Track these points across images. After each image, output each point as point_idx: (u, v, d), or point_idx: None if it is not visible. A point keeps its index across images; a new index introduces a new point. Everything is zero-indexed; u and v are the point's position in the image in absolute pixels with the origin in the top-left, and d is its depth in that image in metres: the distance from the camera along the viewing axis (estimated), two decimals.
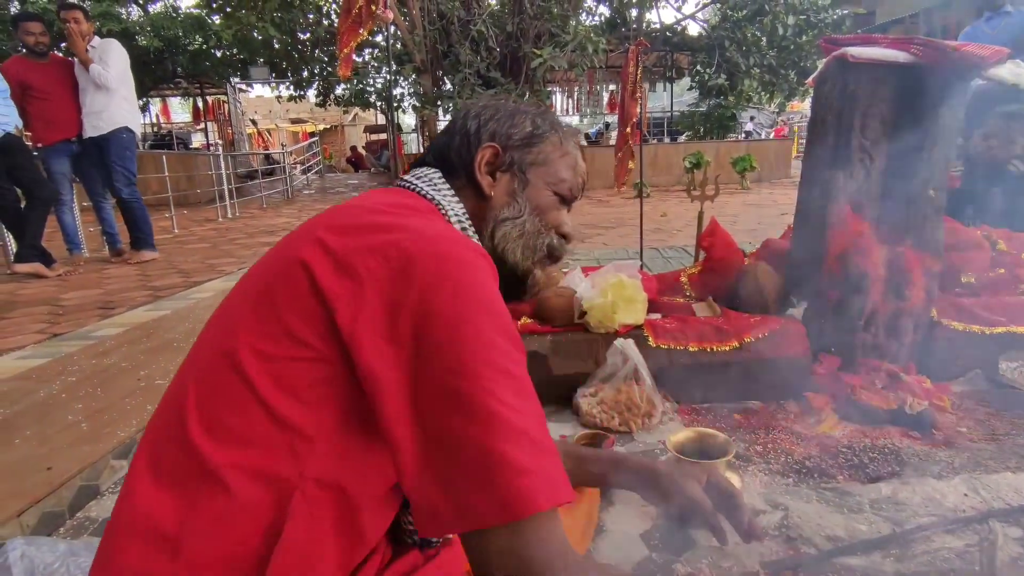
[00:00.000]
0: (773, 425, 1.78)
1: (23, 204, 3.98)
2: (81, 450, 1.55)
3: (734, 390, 1.95)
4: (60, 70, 4.18)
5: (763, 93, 12.60)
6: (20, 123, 4.00)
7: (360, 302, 0.58)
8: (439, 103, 10.33)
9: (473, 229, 0.76)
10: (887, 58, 1.74)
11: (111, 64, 4.05)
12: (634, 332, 1.94)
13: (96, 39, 4.15)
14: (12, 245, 4.22)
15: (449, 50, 10.13)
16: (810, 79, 2.05)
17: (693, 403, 1.93)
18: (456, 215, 0.75)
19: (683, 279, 2.33)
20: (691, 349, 1.93)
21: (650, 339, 1.92)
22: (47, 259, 4.07)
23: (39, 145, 4.22)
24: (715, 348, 1.94)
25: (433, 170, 0.81)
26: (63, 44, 7.30)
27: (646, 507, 1.22)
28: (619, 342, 1.80)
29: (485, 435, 0.53)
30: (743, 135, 14.35)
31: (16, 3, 9.62)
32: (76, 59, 4.09)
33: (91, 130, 4.12)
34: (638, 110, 2.68)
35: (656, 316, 2.05)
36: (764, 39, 10.93)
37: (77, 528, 1.38)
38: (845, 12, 11.37)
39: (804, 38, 10.99)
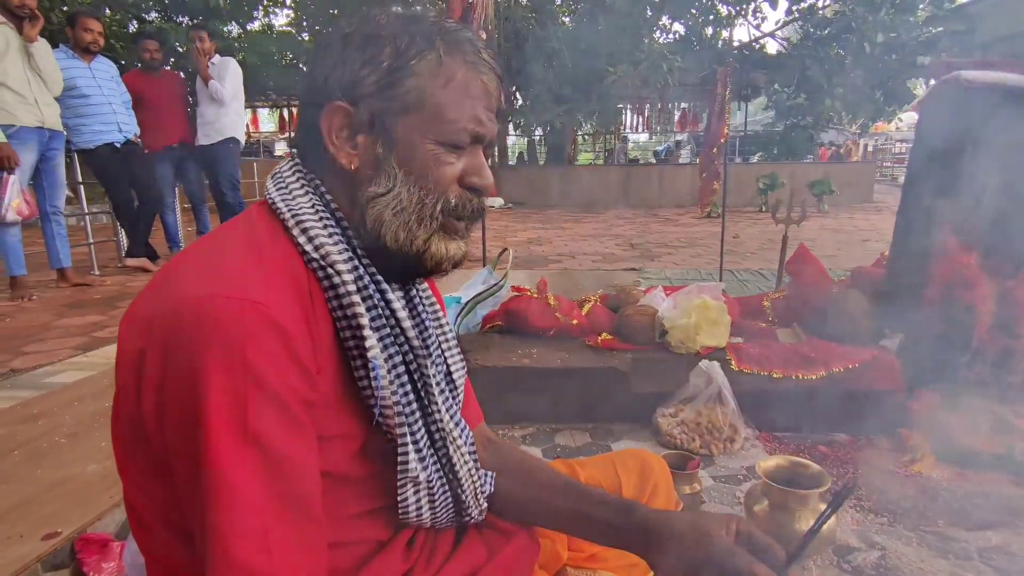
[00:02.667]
0: (862, 460, 1.71)
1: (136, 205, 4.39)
2: None
3: (819, 420, 1.89)
4: (170, 83, 4.61)
5: (845, 113, 12.05)
6: (138, 131, 4.43)
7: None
8: (510, 118, 10.53)
9: (333, 223, 0.60)
10: (1007, 82, 1.65)
11: (227, 80, 4.42)
12: (716, 354, 1.91)
13: (217, 56, 4.55)
14: (124, 242, 4.64)
15: (523, 66, 10.32)
16: (914, 103, 1.97)
17: (775, 430, 1.88)
18: (297, 217, 0.59)
19: (766, 303, 2.28)
20: (775, 375, 1.89)
21: (732, 363, 1.89)
22: (153, 255, 4.46)
23: (147, 151, 4.64)
24: (801, 376, 1.88)
25: (289, 161, 0.64)
26: (170, 59, 8.01)
27: None
28: (704, 363, 1.79)
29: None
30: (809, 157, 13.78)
31: (134, 22, 10.65)
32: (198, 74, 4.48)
33: (203, 138, 4.50)
34: (726, 131, 2.65)
35: (738, 340, 2.02)
36: (849, 57, 10.48)
37: None
38: (940, 29, 10.72)
39: (893, 56, 10.46)
